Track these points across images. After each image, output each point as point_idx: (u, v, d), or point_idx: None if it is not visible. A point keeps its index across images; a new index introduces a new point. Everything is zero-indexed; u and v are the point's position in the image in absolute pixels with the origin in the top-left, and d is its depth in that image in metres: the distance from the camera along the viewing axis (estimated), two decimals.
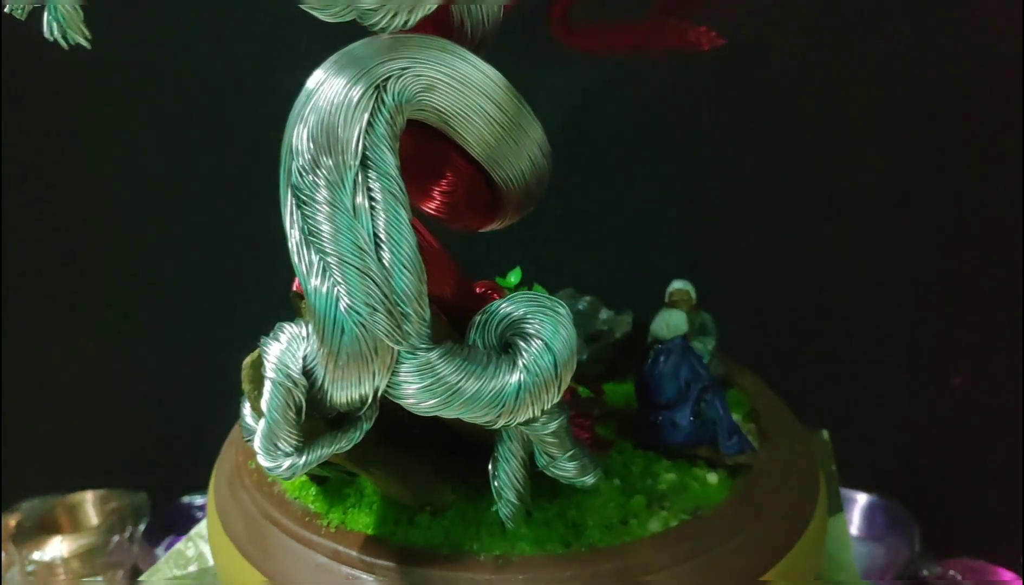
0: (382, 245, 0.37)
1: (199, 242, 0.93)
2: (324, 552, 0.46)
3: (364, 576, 0.45)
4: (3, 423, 0.99)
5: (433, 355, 0.38)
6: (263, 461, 0.38)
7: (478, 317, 0.43)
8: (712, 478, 0.55)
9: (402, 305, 0.37)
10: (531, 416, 0.41)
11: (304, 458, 0.38)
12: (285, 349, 0.38)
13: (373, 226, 0.37)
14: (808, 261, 0.93)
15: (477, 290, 0.51)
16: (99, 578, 0.84)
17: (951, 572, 0.83)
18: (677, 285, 0.67)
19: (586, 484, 0.50)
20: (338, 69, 0.39)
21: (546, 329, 0.41)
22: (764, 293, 0.91)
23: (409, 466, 0.48)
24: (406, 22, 0.36)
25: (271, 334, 0.39)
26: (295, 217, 0.37)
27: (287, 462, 0.38)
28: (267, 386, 0.37)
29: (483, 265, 0.75)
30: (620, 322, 0.71)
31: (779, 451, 0.57)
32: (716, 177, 0.91)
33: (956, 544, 0.82)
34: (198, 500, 0.93)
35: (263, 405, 0.37)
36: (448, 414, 0.39)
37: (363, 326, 0.36)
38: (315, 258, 0.36)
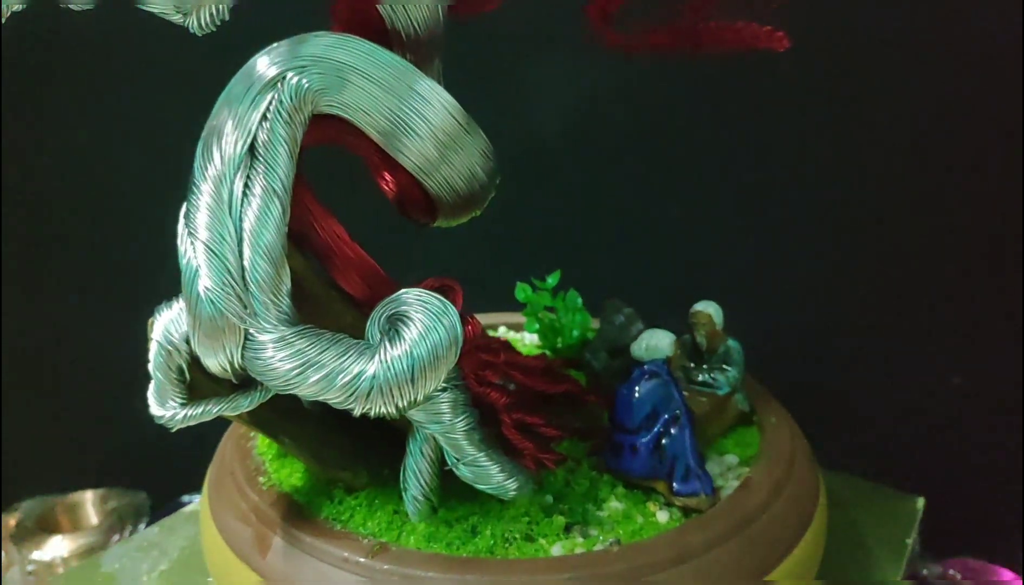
0: (244, 238, 0.40)
1: None
2: (250, 506, 0.52)
3: (267, 532, 0.49)
4: (3, 423, 0.98)
5: (289, 332, 0.41)
6: (152, 410, 0.44)
7: (376, 309, 0.45)
8: (662, 516, 0.51)
9: (255, 292, 0.40)
10: (387, 411, 0.42)
11: (186, 411, 0.43)
12: (174, 317, 0.43)
13: (241, 219, 0.40)
14: (806, 262, 0.93)
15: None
16: None
17: (951, 571, 0.80)
18: (699, 307, 0.62)
19: (506, 492, 0.50)
20: (262, 57, 0.43)
21: (416, 331, 0.42)
22: (760, 292, 0.89)
23: (327, 443, 0.51)
24: (201, 23, 0.38)
25: (167, 302, 0.44)
26: (185, 201, 0.42)
27: (169, 413, 0.43)
28: (152, 347, 0.43)
29: (539, 264, 0.76)
30: None
31: (746, 503, 0.51)
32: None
33: (956, 544, 0.79)
34: (198, 499, 0.87)
35: (149, 365, 0.43)
36: (303, 392, 0.41)
37: (214, 305, 0.40)
38: (189, 240, 0.41)
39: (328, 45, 0.44)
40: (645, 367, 0.55)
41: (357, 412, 0.42)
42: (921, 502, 0.73)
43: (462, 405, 0.48)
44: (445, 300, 0.44)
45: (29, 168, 0.94)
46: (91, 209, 0.96)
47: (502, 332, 0.80)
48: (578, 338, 0.71)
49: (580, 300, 0.71)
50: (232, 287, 0.40)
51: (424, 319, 0.43)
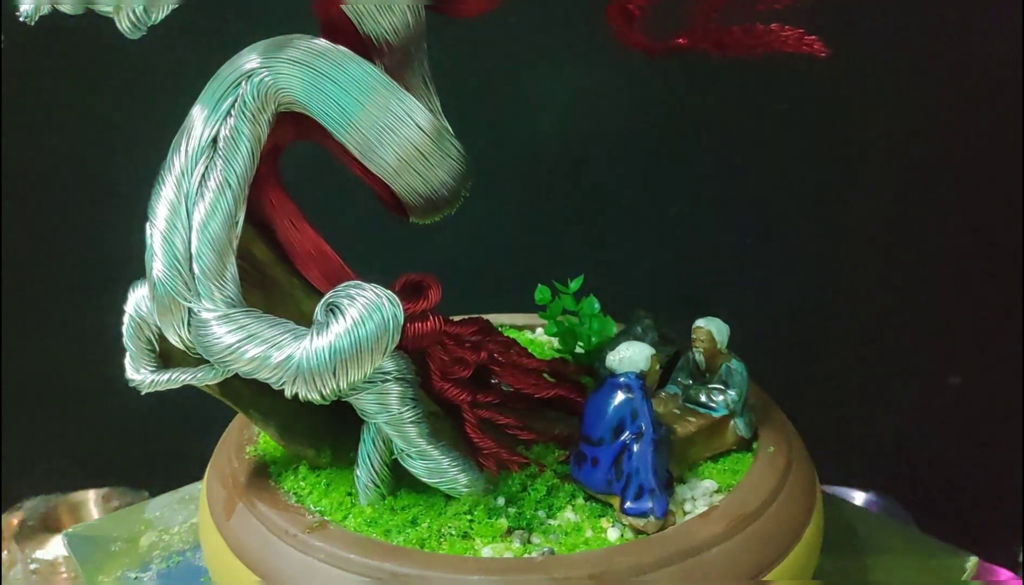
0: (193, 229, 0.44)
1: None
2: (231, 472, 0.56)
3: (235, 497, 0.53)
4: (4, 422, 0.98)
5: (232, 312, 0.44)
6: (127, 374, 0.49)
7: (324, 298, 0.47)
8: (613, 533, 0.50)
9: (200, 278, 0.44)
10: (312, 397, 0.44)
11: (155, 377, 0.48)
12: (145, 293, 0.48)
13: (193, 212, 0.44)
14: (805, 261, 0.94)
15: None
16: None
17: None
18: (700, 323, 0.59)
19: (457, 488, 0.51)
20: (239, 56, 0.46)
21: (343, 324, 0.44)
22: (758, 291, 0.90)
23: (295, 420, 0.54)
24: (124, 25, 0.41)
25: (142, 280, 0.49)
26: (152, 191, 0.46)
27: (139, 377, 0.48)
28: (125, 319, 0.48)
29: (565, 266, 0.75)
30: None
31: (696, 533, 0.48)
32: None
33: (953, 543, 0.74)
34: None
35: (123, 336, 0.48)
36: (241, 368, 0.44)
37: (164, 286, 0.44)
38: (149, 227, 0.45)
39: (307, 49, 0.47)
40: (619, 380, 0.53)
41: (288, 394, 0.45)
42: (973, 562, 0.65)
43: (411, 398, 0.49)
44: (384, 295, 0.45)
45: (28, 167, 0.94)
46: (90, 207, 0.95)
47: (539, 333, 0.80)
48: (597, 344, 0.70)
49: (598, 305, 0.70)
50: (179, 272, 0.44)
51: (354, 313, 0.44)
